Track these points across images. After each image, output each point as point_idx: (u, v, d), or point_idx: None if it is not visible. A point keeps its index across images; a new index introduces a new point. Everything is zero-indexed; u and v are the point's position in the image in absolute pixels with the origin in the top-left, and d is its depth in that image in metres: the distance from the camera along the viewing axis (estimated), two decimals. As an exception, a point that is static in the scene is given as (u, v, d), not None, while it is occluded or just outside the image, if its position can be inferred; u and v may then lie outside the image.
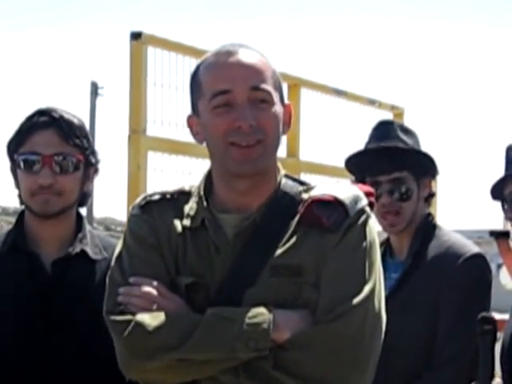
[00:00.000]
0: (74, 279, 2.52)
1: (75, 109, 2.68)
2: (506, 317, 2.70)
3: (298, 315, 1.96)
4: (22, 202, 2.58)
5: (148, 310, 1.98)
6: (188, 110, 2.15)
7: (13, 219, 2.69)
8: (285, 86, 4.20)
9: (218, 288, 2.02)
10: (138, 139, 3.98)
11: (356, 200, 2.05)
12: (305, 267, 2.00)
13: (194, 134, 2.14)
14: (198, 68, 2.11)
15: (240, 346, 1.91)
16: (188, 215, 2.11)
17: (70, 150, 2.52)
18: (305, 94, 5.17)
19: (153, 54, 4.07)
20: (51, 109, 2.56)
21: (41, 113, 2.55)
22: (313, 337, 1.94)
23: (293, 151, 5.05)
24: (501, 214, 2.80)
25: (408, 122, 5.01)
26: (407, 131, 3.15)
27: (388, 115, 5.68)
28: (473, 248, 2.99)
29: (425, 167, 3.08)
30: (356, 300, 1.96)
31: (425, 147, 3.19)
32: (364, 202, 2.07)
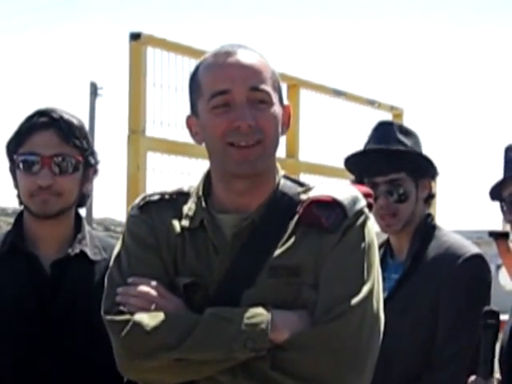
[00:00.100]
0: (74, 280, 2.52)
1: (74, 109, 2.68)
2: (505, 317, 2.69)
3: (297, 315, 1.96)
4: (21, 203, 2.58)
5: (146, 310, 1.98)
6: (187, 111, 2.16)
7: (12, 220, 2.69)
8: (284, 87, 4.21)
9: (216, 288, 2.02)
10: (138, 140, 3.99)
11: (355, 201, 2.05)
12: (303, 268, 2.00)
13: (193, 135, 2.14)
14: (197, 68, 2.11)
15: (238, 346, 1.91)
16: (187, 216, 2.11)
17: (69, 151, 2.52)
18: (304, 94, 5.17)
19: (152, 54, 4.08)
20: (51, 109, 2.55)
21: (40, 113, 2.54)
22: (311, 337, 1.94)
23: (292, 152, 5.06)
24: (500, 215, 2.80)
25: (407, 123, 5.02)
26: (407, 132, 3.15)
27: (387, 116, 5.69)
28: (472, 248, 2.99)
29: (423, 169, 3.08)
30: (354, 300, 1.96)
31: (425, 148, 3.19)
32: (363, 203, 2.07)
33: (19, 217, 2.61)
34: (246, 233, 2.05)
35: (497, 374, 2.52)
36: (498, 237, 5.56)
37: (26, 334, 2.46)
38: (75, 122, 2.56)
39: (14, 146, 2.55)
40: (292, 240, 2.03)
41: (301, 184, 2.14)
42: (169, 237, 2.09)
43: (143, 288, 2.00)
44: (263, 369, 1.93)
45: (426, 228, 3.07)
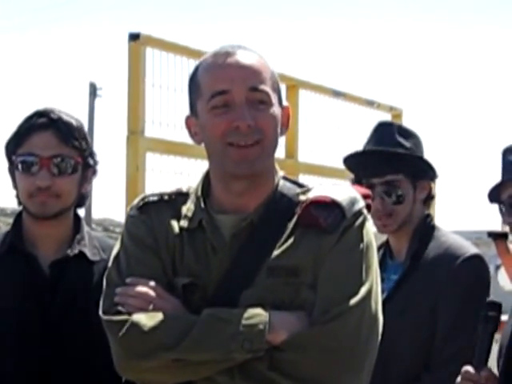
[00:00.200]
0: (72, 280, 2.52)
1: (74, 110, 2.68)
2: (504, 318, 2.69)
3: (295, 316, 1.97)
4: (19, 203, 2.58)
5: (144, 310, 1.98)
6: (186, 111, 2.16)
7: (11, 220, 2.69)
8: (283, 87, 4.20)
9: (214, 288, 2.02)
10: (137, 140, 3.99)
11: (353, 202, 2.05)
12: (302, 268, 2.00)
13: (192, 135, 2.14)
14: (196, 69, 2.12)
15: (235, 347, 1.91)
16: (185, 216, 2.11)
17: (68, 152, 2.51)
18: (303, 95, 5.17)
19: (151, 54, 4.08)
20: (49, 110, 2.55)
21: (39, 114, 2.54)
22: (309, 338, 1.94)
23: (291, 152, 5.06)
24: (499, 216, 2.80)
25: (406, 123, 5.01)
26: (407, 133, 3.15)
27: (386, 116, 5.69)
28: (471, 249, 3.00)
29: (421, 171, 3.09)
30: (353, 301, 1.96)
31: (425, 148, 3.19)
32: (361, 204, 2.07)
33: (18, 217, 2.61)
34: (245, 233, 2.05)
35: (494, 369, 2.51)
36: (497, 237, 5.56)
37: (25, 334, 2.46)
38: (74, 122, 2.56)
39: (12, 147, 2.55)
40: (290, 241, 2.03)
41: (300, 185, 2.14)
42: (167, 237, 2.09)
43: (141, 288, 2.01)
44: (261, 369, 1.93)
45: (425, 228, 3.07)
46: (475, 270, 2.95)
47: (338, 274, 1.99)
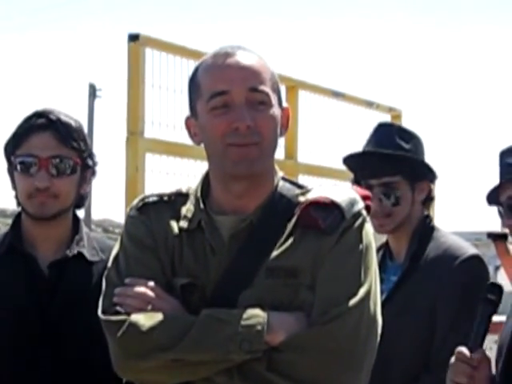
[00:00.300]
0: (71, 281, 2.52)
1: (73, 111, 2.68)
2: (503, 319, 2.69)
3: (293, 317, 1.96)
4: (18, 204, 2.58)
5: (143, 310, 1.98)
6: (186, 112, 2.16)
7: (11, 221, 2.69)
8: (283, 88, 4.20)
9: (213, 289, 2.02)
10: (136, 141, 3.99)
11: (352, 203, 2.05)
12: (301, 269, 2.00)
13: (192, 136, 2.14)
14: (196, 69, 2.12)
15: (233, 347, 1.91)
16: (185, 217, 2.11)
17: (67, 153, 2.51)
18: (303, 95, 5.17)
19: (150, 55, 4.08)
20: (48, 111, 2.55)
21: (38, 115, 2.54)
22: (307, 338, 1.94)
23: (291, 153, 5.06)
24: (499, 217, 2.79)
25: (406, 124, 5.01)
26: (407, 135, 3.15)
27: (386, 117, 5.69)
28: (470, 249, 3.00)
29: (420, 173, 3.09)
30: (351, 302, 1.96)
31: (425, 149, 3.19)
32: (360, 205, 2.07)
33: (17, 218, 2.61)
34: (244, 234, 2.05)
35: (487, 351, 2.51)
36: (497, 238, 5.56)
37: (24, 335, 2.46)
38: (73, 123, 2.56)
39: (11, 148, 2.55)
40: (290, 241, 2.03)
41: (299, 186, 2.14)
42: (167, 238, 2.09)
43: (140, 289, 2.01)
44: (259, 370, 1.93)
45: (425, 229, 3.08)
46: (474, 271, 2.95)
47: (337, 275, 1.99)
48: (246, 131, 2.01)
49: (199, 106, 2.07)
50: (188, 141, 2.18)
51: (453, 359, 2.44)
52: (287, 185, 2.13)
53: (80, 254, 2.55)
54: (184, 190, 2.18)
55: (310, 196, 2.07)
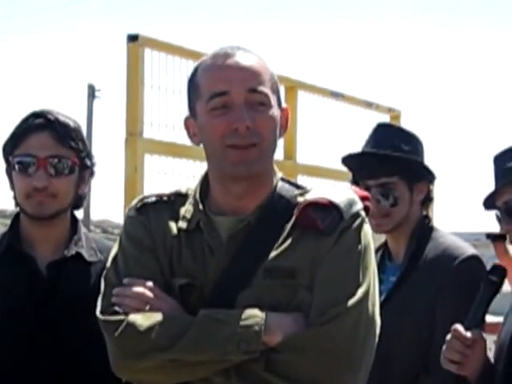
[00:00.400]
0: (70, 281, 2.52)
1: (72, 111, 2.68)
2: (502, 319, 2.69)
3: (291, 318, 1.96)
4: (17, 204, 2.58)
5: (141, 310, 1.98)
6: (185, 113, 2.16)
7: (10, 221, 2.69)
8: (282, 89, 4.21)
9: (211, 289, 2.02)
10: (135, 142, 3.99)
11: (351, 204, 2.05)
12: (299, 270, 2.00)
13: (191, 136, 2.14)
14: (195, 70, 2.12)
15: (231, 347, 1.91)
16: (184, 217, 2.11)
17: (65, 153, 2.51)
18: (302, 96, 5.18)
19: (150, 56, 4.08)
20: (46, 111, 2.55)
21: (36, 115, 2.54)
22: (305, 339, 1.94)
23: (290, 153, 5.06)
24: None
25: (405, 125, 5.02)
26: (407, 135, 3.15)
27: (385, 117, 5.69)
28: (468, 250, 3.00)
29: (418, 173, 3.09)
30: (350, 302, 1.96)
31: (424, 149, 3.19)
32: (359, 205, 2.07)
33: (16, 218, 2.61)
34: (242, 235, 2.05)
35: (483, 334, 2.51)
36: (496, 239, 5.55)
37: (23, 335, 2.46)
38: (71, 123, 2.56)
39: (9, 148, 2.55)
40: (288, 242, 2.03)
41: (298, 186, 2.14)
42: (165, 238, 2.09)
43: (138, 289, 2.01)
44: (257, 371, 1.93)
45: (423, 230, 3.08)
46: (473, 271, 2.95)
47: (336, 276, 1.99)
48: (246, 132, 2.01)
49: (198, 106, 2.07)
50: (187, 141, 2.18)
51: (448, 336, 2.45)
52: (286, 185, 2.13)
53: (78, 255, 2.56)
54: (183, 190, 2.18)
55: (309, 196, 2.07)
